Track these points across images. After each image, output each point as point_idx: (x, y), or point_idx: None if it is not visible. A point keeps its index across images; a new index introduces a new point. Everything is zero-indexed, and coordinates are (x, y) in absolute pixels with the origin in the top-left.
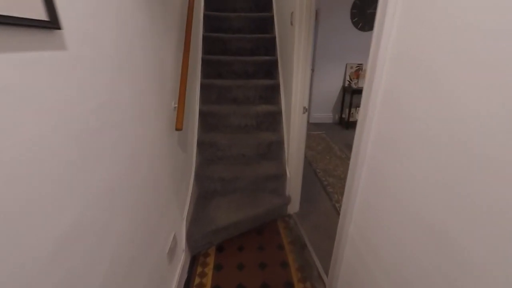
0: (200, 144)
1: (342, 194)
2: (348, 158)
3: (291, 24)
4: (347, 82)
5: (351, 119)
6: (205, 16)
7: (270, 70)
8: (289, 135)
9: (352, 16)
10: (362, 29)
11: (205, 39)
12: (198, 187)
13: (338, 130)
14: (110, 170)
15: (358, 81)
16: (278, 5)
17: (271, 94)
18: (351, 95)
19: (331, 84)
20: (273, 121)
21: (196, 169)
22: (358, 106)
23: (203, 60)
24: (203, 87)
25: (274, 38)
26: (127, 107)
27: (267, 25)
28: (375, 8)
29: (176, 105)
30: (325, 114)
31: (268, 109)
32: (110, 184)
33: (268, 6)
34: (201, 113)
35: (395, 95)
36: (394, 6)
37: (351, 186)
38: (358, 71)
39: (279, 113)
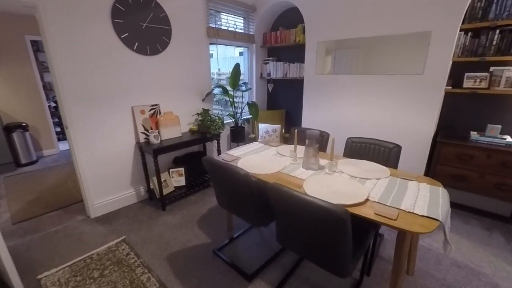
0: None
1: None
2: None
3: None
4: (142, 136)
5: (166, 191)
6: None
7: None
8: None
9: (118, 29)
10: (143, 51)
11: None
12: None
13: (151, 216)
14: None
15: (159, 132)
16: None
17: None
18: (154, 156)
19: (115, 144)
20: None
21: None
22: (172, 167)
23: None
24: None
25: None
26: None
27: None
28: (153, 21)
29: None
30: (121, 193)
31: None
32: None
33: None
34: None
35: None
36: None
37: None
38: (155, 116)
39: None
